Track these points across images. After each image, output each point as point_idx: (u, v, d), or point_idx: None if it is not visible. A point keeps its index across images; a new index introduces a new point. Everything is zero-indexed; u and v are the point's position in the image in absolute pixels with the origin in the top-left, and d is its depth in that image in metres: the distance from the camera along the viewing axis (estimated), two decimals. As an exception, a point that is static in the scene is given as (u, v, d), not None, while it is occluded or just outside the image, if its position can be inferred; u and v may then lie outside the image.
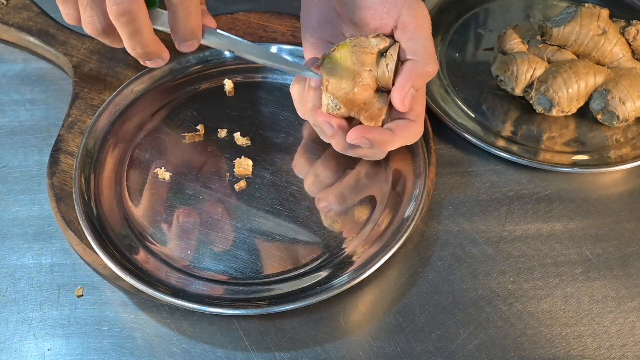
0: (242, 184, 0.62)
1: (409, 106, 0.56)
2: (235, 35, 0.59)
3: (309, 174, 0.63)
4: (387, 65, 0.56)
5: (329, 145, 0.62)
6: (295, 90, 0.60)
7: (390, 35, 0.58)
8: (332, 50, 0.57)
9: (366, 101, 0.57)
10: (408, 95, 0.56)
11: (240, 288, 0.57)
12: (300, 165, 0.64)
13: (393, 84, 0.57)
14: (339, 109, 0.56)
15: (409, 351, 0.55)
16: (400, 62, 0.58)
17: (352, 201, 0.62)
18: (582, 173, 0.65)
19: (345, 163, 0.64)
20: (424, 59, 0.57)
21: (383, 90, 0.58)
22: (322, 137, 0.62)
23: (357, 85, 0.56)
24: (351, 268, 0.57)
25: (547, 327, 0.57)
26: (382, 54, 0.57)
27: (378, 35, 0.58)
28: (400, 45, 0.57)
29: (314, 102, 0.58)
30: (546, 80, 0.65)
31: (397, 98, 0.56)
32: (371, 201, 0.62)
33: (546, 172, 0.65)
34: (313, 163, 0.64)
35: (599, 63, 0.68)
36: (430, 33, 0.58)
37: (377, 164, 0.64)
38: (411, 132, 0.58)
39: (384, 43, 0.57)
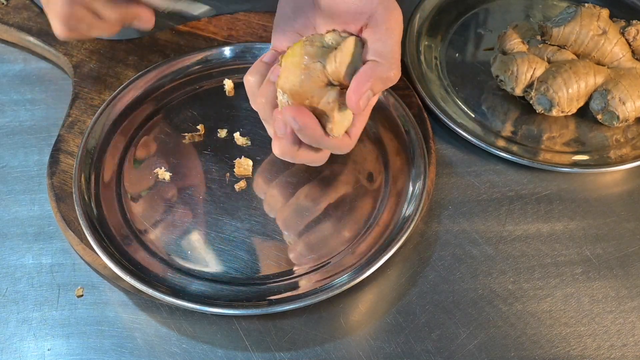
0: (242, 184, 0.62)
1: (364, 108, 0.54)
2: (237, 35, 0.59)
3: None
4: (335, 56, 0.54)
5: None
6: (250, 82, 0.58)
7: (357, 35, 0.56)
8: (288, 48, 0.56)
9: (314, 94, 0.54)
10: (364, 97, 0.53)
11: (240, 288, 0.57)
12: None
13: (346, 79, 0.54)
14: (289, 104, 0.54)
15: (409, 351, 0.55)
16: (363, 62, 0.55)
17: (351, 202, 0.62)
18: (582, 173, 0.65)
19: (341, 163, 0.64)
20: (388, 62, 0.54)
21: (336, 85, 0.55)
22: (269, 132, 0.60)
23: (304, 76, 0.53)
24: (351, 268, 0.57)
25: (547, 327, 0.57)
26: (335, 48, 0.55)
27: (334, 30, 0.56)
28: (364, 42, 0.55)
29: (268, 97, 0.56)
30: (546, 80, 0.65)
31: (353, 97, 0.53)
32: (371, 202, 0.62)
33: (546, 172, 0.65)
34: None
35: (599, 63, 0.68)
36: (400, 38, 0.55)
37: (377, 164, 0.64)
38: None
39: (338, 38, 0.55)
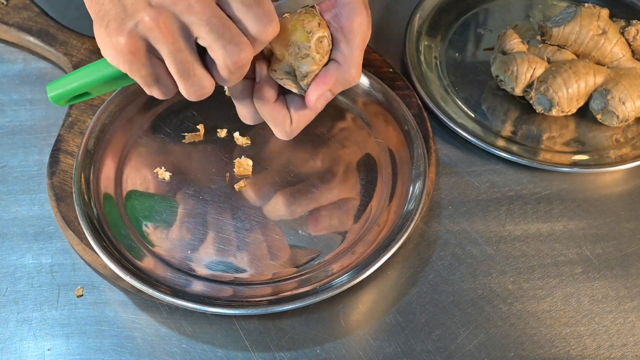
0: (242, 184, 0.62)
1: (321, 108, 0.54)
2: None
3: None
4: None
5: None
6: None
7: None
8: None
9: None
10: (322, 97, 0.54)
11: (240, 288, 0.57)
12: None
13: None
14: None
15: (409, 351, 0.55)
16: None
17: (351, 202, 0.62)
18: (582, 173, 0.65)
19: (342, 164, 0.64)
20: (349, 65, 0.54)
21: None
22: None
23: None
24: (351, 268, 0.57)
25: (547, 327, 0.57)
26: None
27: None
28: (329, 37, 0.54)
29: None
30: (546, 80, 0.65)
31: (312, 96, 0.53)
32: (371, 201, 0.62)
33: (546, 172, 0.65)
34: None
35: (599, 63, 0.68)
36: (362, 42, 0.54)
37: (377, 164, 0.64)
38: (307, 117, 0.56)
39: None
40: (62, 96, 0.54)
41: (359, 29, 0.54)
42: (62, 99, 0.54)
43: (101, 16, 0.48)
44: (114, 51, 0.48)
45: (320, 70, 0.54)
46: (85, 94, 0.54)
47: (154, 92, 0.52)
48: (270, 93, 0.55)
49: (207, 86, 0.51)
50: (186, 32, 0.48)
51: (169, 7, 0.47)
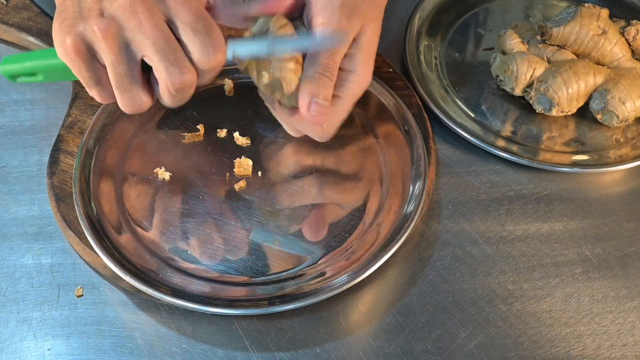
0: (242, 184, 0.62)
1: (318, 114, 0.53)
2: (236, 34, 0.59)
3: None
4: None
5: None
6: None
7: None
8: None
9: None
10: (314, 104, 0.52)
11: (240, 288, 0.57)
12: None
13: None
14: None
15: (409, 351, 0.55)
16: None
17: (351, 202, 0.62)
18: (582, 173, 0.65)
19: (341, 164, 0.64)
20: (312, 62, 0.52)
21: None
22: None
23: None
24: (351, 268, 0.57)
25: (546, 327, 0.57)
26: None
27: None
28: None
29: None
30: (546, 80, 0.65)
31: (302, 107, 0.53)
32: (371, 201, 0.62)
33: (546, 172, 0.65)
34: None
35: (598, 63, 0.68)
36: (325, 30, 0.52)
37: (377, 164, 0.64)
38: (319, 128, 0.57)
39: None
40: (13, 72, 0.56)
41: (317, 22, 0.52)
42: (12, 75, 0.56)
43: (60, 11, 0.50)
44: (61, 48, 0.50)
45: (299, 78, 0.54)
46: (36, 75, 0.56)
47: (94, 94, 0.53)
48: (292, 108, 0.56)
49: (142, 103, 0.53)
50: (132, 48, 0.49)
51: (120, 21, 0.48)
